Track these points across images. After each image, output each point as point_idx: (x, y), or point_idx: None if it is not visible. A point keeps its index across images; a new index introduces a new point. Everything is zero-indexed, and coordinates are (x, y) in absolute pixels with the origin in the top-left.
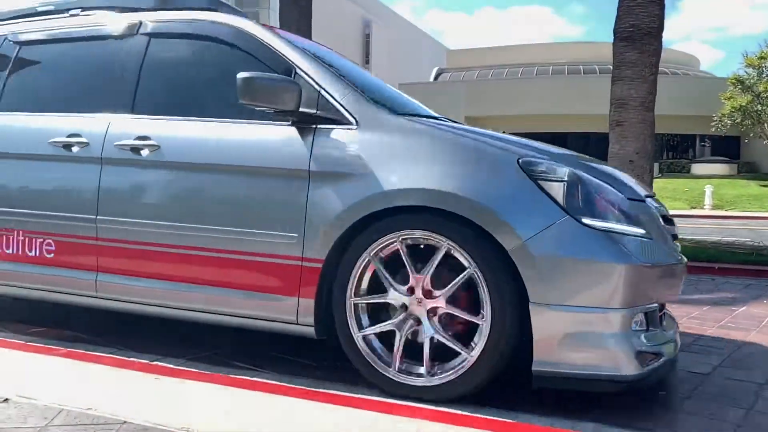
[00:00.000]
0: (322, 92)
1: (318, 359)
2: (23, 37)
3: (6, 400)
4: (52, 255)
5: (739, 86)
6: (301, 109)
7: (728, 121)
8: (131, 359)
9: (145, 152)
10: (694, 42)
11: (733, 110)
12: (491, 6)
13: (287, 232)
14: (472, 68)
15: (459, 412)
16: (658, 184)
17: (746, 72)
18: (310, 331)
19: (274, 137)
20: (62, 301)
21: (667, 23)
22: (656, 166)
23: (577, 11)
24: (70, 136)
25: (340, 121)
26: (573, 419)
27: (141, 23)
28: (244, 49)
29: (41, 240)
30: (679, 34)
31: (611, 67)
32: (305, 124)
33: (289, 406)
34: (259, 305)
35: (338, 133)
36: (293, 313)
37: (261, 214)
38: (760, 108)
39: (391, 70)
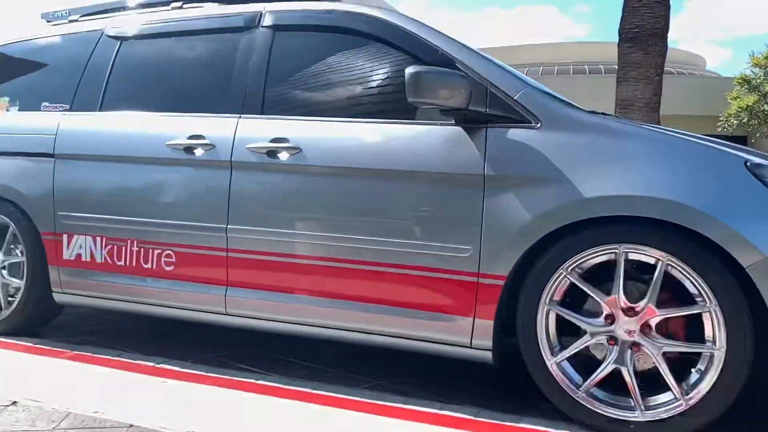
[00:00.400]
0: (491, 88)
1: (321, 363)
2: (124, 32)
3: (14, 402)
4: (171, 267)
5: (746, 86)
6: (470, 107)
7: (735, 121)
8: (137, 362)
9: (283, 156)
10: (700, 41)
11: (739, 110)
12: (496, 6)
13: (459, 245)
14: None
15: (460, 416)
16: None
17: (753, 72)
18: (486, 356)
19: (437, 138)
20: (182, 317)
21: (673, 22)
22: None
23: (583, 11)
24: (191, 138)
25: (518, 119)
26: (576, 426)
27: (262, 15)
28: (387, 42)
29: (159, 251)
30: (685, 33)
31: (617, 67)
32: (472, 123)
33: (296, 409)
34: (421, 325)
35: (518, 133)
36: (466, 336)
37: (425, 224)
38: (766, 108)
39: None
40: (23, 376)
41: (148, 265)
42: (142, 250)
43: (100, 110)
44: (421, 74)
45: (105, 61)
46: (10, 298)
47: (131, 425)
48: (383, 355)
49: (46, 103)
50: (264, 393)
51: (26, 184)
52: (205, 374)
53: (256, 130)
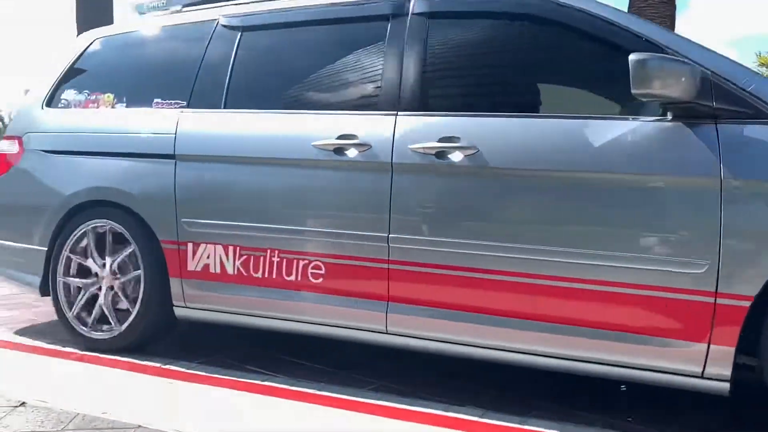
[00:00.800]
0: (716, 79)
1: (328, 364)
2: (245, 22)
3: (23, 404)
4: (320, 280)
5: None
6: (697, 100)
7: None
8: (144, 363)
9: (456, 156)
10: (705, 41)
11: None
12: None
13: (690, 260)
14: None
15: (467, 417)
16: None
17: (759, 71)
18: (722, 387)
19: (654, 136)
20: (332, 335)
21: (678, 22)
22: None
23: None
24: (342, 138)
25: (753, 115)
26: (583, 424)
27: (412, 0)
28: (571, 28)
29: (305, 262)
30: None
31: None
32: (696, 118)
33: (301, 410)
34: (639, 351)
35: (757, 130)
36: (697, 363)
37: (647, 236)
38: None
39: None
40: (31, 377)
41: (292, 278)
42: (284, 260)
43: (224, 108)
44: (648, 62)
45: (224, 54)
46: (122, 312)
47: (139, 426)
48: (389, 357)
49: (158, 100)
50: (270, 394)
51: (142, 188)
52: (212, 375)
53: (420, 129)
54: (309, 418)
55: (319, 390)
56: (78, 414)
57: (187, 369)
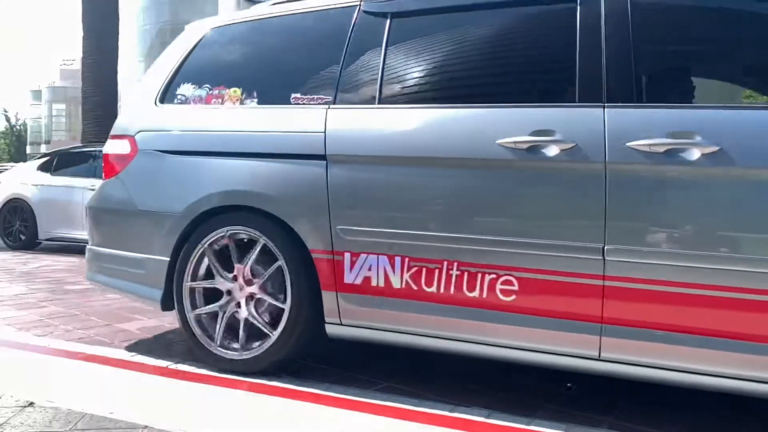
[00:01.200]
0: None
1: (335, 365)
2: (394, 7)
3: (31, 404)
4: (512, 297)
5: None
6: None
7: None
8: (150, 364)
9: (693, 155)
10: None
11: None
12: None
13: None
14: None
15: (473, 418)
16: None
17: None
18: None
19: None
20: (526, 361)
21: None
22: None
23: None
24: (536, 134)
25: None
26: (589, 425)
27: None
28: None
29: (492, 276)
30: None
31: None
32: None
33: (306, 411)
34: None
35: None
36: None
37: None
38: None
39: None
40: (39, 377)
41: (474, 294)
42: (465, 274)
43: (380, 103)
44: None
45: (372, 43)
46: (253, 327)
47: (146, 426)
48: (397, 357)
49: (297, 95)
50: (276, 395)
51: (287, 192)
52: (218, 375)
53: (640, 123)
54: (316, 419)
55: (326, 390)
56: (85, 414)
57: (194, 369)
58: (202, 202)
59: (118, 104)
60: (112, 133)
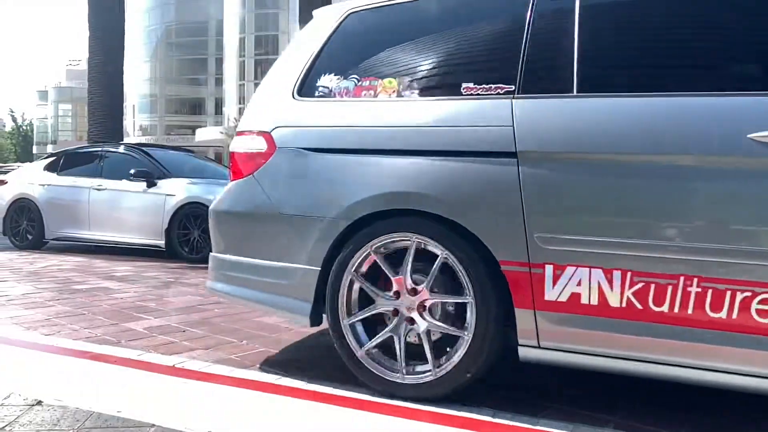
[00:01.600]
0: None
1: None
2: None
3: (39, 402)
4: None
5: None
6: None
7: None
8: (158, 363)
9: None
10: None
11: None
12: None
13: None
14: None
15: (479, 417)
16: None
17: None
18: None
19: None
20: None
21: None
22: None
23: None
24: None
25: None
26: (595, 425)
27: None
28: None
29: (747, 294)
30: None
31: None
32: None
33: (311, 410)
34: None
35: None
36: None
37: None
38: None
39: None
40: (47, 376)
41: (721, 315)
42: (710, 292)
43: (578, 92)
44: None
45: (560, 23)
46: (413, 346)
47: (153, 425)
48: None
49: (469, 85)
50: (283, 394)
51: (470, 195)
52: (226, 375)
53: None
54: (321, 418)
55: (333, 389)
56: (93, 413)
57: (201, 369)
58: (361, 206)
59: (124, 104)
60: (240, 128)
